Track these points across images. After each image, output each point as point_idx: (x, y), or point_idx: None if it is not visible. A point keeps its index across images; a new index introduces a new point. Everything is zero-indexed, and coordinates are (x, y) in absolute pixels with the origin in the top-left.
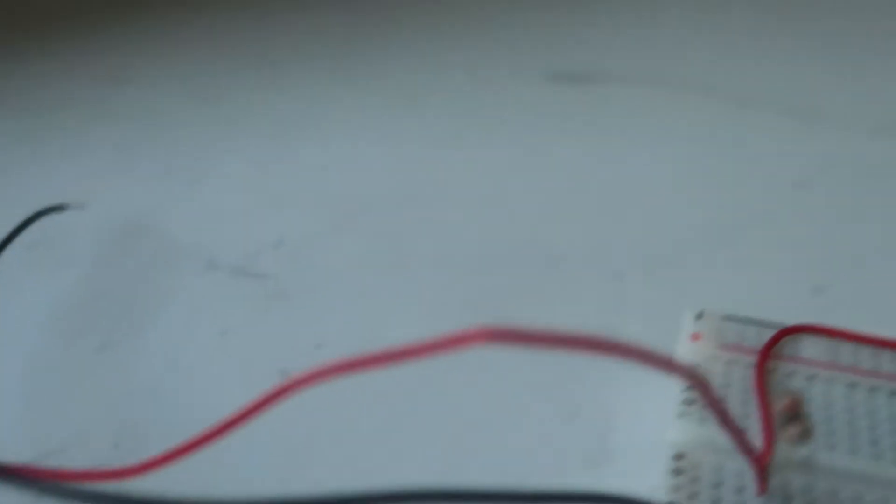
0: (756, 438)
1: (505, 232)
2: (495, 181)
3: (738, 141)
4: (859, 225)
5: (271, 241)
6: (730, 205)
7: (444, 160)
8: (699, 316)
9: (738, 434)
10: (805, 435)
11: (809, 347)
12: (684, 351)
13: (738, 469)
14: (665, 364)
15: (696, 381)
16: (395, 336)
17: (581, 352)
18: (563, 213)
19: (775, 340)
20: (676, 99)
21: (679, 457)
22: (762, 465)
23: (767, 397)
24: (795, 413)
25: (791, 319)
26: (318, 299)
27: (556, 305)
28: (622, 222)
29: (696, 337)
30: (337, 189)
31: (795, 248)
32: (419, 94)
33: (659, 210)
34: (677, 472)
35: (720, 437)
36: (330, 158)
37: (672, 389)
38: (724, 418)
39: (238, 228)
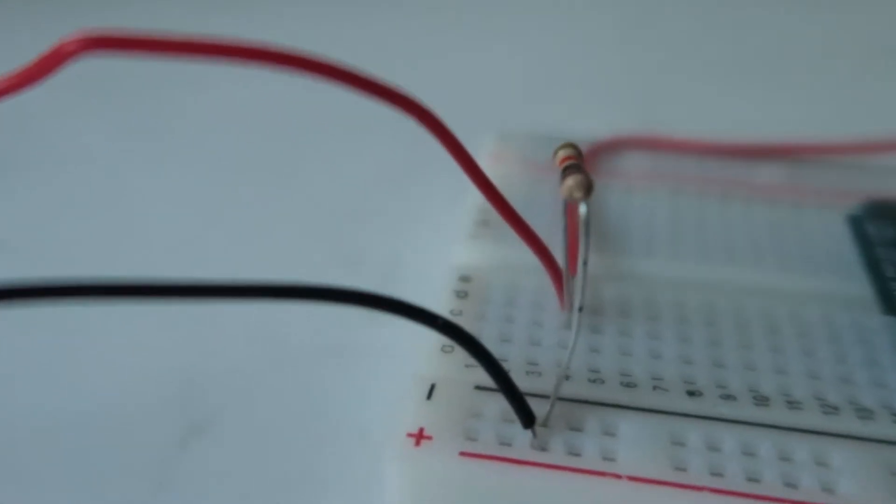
0: (560, 257)
1: None
2: None
3: None
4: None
5: None
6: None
7: None
8: (502, 135)
9: (539, 248)
10: (587, 187)
11: (629, 161)
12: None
13: (538, 286)
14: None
15: (492, 194)
16: None
17: (208, 58)
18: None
19: (588, 156)
20: None
21: (465, 279)
22: (563, 278)
23: (575, 213)
24: (576, 164)
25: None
26: None
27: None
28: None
29: (496, 156)
30: None
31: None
32: None
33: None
34: (461, 293)
35: (516, 256)
36: None
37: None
38: (524, 232)
39: None
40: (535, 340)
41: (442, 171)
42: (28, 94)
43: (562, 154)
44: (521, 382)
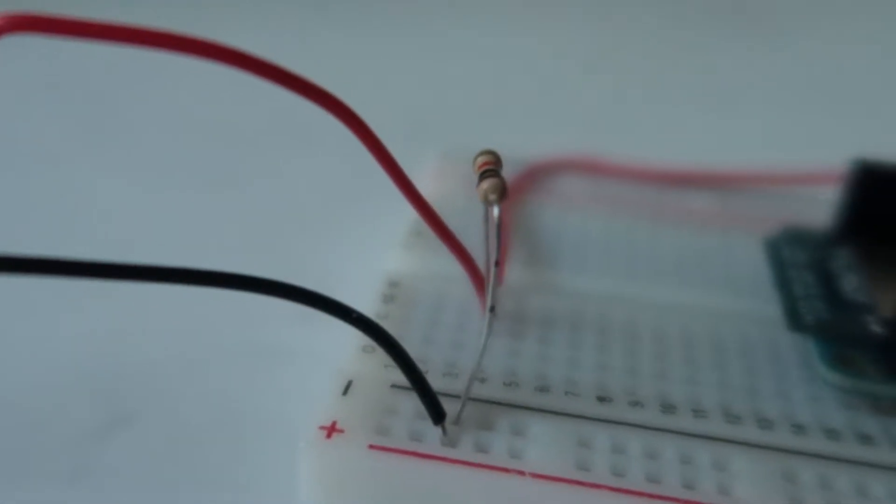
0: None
1: None
2: None
3: None
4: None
5: None
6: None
7: None
8: (444, 155)
9: (462, 254)
10: (502, 190)
11: (566, 182)
12: (425, 190)
13: (464, 295)
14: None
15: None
16: None
17: (131, 44)
18: None
19: (527, 176)
20: None
21: (394, 284)
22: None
23: (508, 230)
24: (493, 170)
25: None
26: None
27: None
28: None
29: (438, 175)
30: None
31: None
32: None
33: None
34: (388, 297)
35: (446, 267)
36: None
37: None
38: (446, 238)
39: None
40: (456, 345)
41: (385, 183)
42: None
43: (480, 160)
44: (438, 383)
